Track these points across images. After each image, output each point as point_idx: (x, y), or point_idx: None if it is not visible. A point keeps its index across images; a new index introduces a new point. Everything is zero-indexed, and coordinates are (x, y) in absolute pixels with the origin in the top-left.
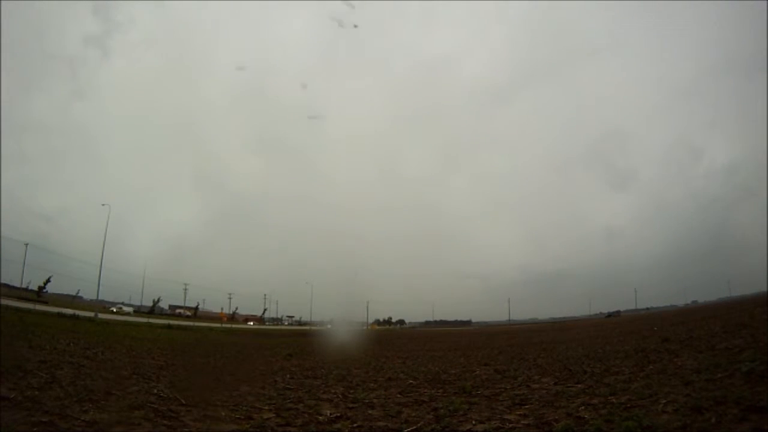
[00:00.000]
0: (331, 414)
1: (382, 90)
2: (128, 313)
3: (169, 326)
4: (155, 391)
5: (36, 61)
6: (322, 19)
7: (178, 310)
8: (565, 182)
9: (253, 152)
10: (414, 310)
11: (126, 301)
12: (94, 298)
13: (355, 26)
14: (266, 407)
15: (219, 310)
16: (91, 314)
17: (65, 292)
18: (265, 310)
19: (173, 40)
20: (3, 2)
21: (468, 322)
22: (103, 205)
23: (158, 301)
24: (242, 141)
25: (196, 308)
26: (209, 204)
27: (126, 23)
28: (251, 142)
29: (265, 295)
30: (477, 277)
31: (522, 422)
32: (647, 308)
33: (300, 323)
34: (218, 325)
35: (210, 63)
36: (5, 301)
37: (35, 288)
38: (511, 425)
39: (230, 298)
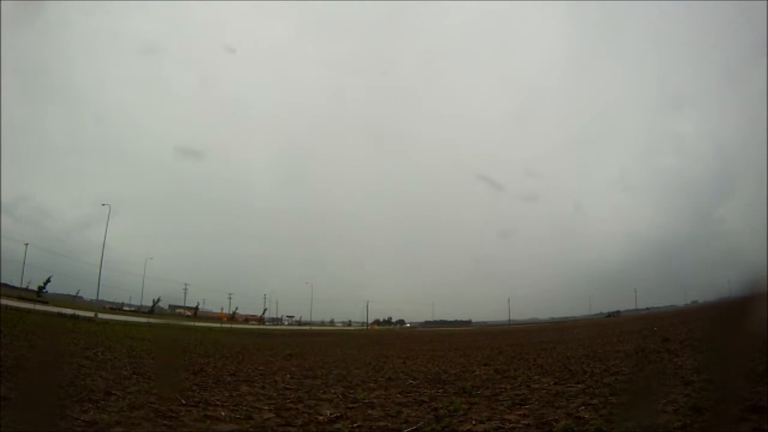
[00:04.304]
0: (331, 414)
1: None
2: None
3: (169, 326)
4: (155, 391)
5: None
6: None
7: (178, 310)
8: (565, 182)
9: (259, 160)
10: (414, 310)
11: (126, 301)
12: (94, 298)
13: None
14: (266, 407)
15: (219, 310)
16: (91, 314)
17: (65, 292)
18: (265, 310)
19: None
20: (3, 2)
21: (468, 322)
22: (103, 205)
23: (158, 301)
24: (248, 149)
25: (196, 308)
26: (212, 207)
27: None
28: (257, 151)
29: (265, 295)
30: (477, 275)
31: (522, 422)
32: (647, 308)
33: (300, 323)
34: (218, 325)
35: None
36: (5, 301)
37: (35, 288)
38: (511, 425)
39: (230, 298)
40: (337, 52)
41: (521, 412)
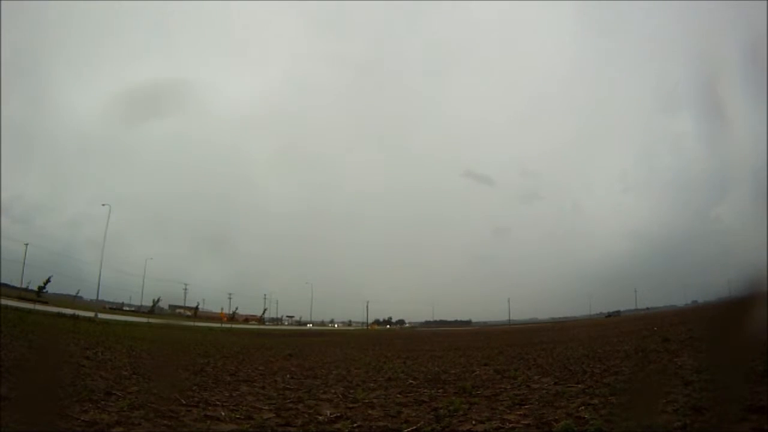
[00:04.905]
0: (331, 414)
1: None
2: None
3: (170, 326)
4: (155, 391)
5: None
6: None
7: (178, 310)
8: (565, 182)
9: (261, 159)
10: (414, 310)
11: (126, 301)
12: (94, 298)
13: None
14: (266, 407)
15: (219, 310)
16: (91, 314)
17: (65, 292)
18: (265, 310)
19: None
20: (3, 2)
21: (468, 322)
22: (103, 205)
23: (158, 301)
24: (253, 153)
25: (196, 308)
26: (212, 206)
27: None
28: (260, 154)
29: (265, 295)
30: (477, 275)
31: (522, 422)
32: (647, 308)
33: (300, 323)
34: (218, 324)
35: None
36: (5, 301)
37: (35, 288)
38: (511, 425)
39: (230, 298)
40: (340, 51)
41: (521, 412)
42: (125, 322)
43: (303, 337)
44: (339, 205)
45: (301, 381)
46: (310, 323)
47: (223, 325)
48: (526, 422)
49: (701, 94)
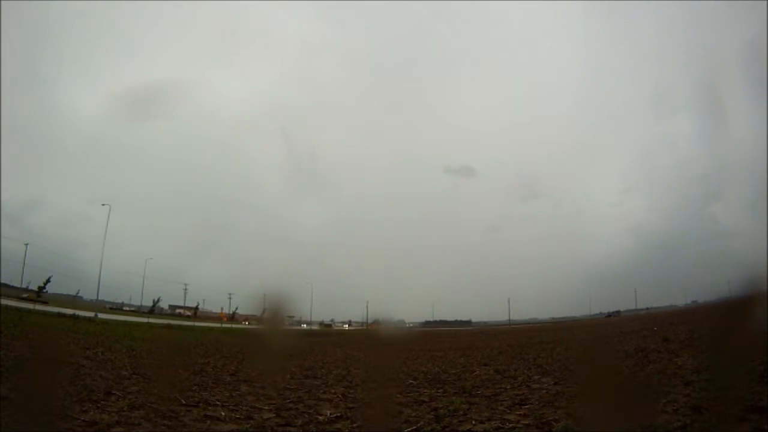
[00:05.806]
0: (331, 414)
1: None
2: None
3: (170, 326)
4: (155, 391)
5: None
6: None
7: (178, 310)
8: (565, 181)
9: (262, 158)
10: (414, 310)
11: (126, 301)
12: (94, 298)
13: None
14: (266, 407)
15: (219, 310)
16: (91, 314)
17: (65, 292)
18: (264, 310)
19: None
20: (3, 2)
21: (468, 322)
22: (103, 205)
23: (158, 301)
24: (252, 152)
25: (196, 308)
26: (212, 206)
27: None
28: (261, 154)
29: (264, 295)
30: (477, 275)
31: (522, 422)
32: (647, 308)
33: (300, 323)
34: (218, 324)
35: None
36: (5, 301)
37: (35, 288)
38: (511, 425)
39: (230, 298)
40: (343, 51)
41: (521, 412)
42: (125, 322)
43: (303, 338)
44: (340, 205)
45: (301, 381)
46: (304, 324)
47: (223, 325)
48: (526, 422)
49: (701, 94)
